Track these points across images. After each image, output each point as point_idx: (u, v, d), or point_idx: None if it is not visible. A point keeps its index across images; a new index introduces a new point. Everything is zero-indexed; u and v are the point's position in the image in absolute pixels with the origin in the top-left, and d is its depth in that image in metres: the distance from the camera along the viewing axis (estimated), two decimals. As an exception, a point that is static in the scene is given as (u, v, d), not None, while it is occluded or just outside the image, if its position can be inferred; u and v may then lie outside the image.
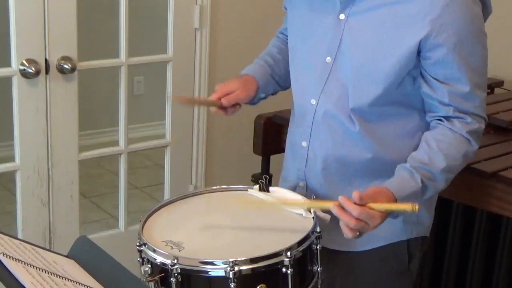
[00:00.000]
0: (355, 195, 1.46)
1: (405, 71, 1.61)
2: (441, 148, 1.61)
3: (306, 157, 1.76)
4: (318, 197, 1.72)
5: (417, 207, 1.47)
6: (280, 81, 1.92)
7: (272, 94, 1.95)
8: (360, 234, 1.50)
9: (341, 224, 1.49)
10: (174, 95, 2.93)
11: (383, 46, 1.61)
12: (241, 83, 1.84)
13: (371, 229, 1.49)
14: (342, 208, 1.47)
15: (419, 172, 1.58)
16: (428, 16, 1.56)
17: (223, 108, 1.82)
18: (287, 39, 1.94)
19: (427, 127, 1.69)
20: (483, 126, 1.68)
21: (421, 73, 1.64)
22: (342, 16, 1.66)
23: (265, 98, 1.92)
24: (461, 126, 1.63)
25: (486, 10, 1.65)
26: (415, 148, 1.67)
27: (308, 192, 1.75)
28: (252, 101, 1.88)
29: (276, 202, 1.66)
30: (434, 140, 1.62)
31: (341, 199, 1.48)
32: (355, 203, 1.46)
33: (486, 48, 1.64)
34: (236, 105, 1.83)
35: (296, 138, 1.80)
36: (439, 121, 1.65)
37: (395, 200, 1.54)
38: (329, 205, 1.50)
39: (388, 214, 1.51)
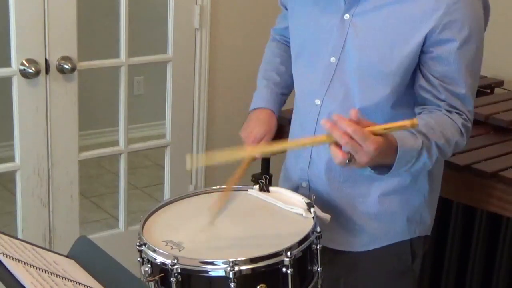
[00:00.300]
0: (353, 112, 1.38)
1: (412, 69, 1.61)
2: (439, 126, 1.58)
3: (310, 157, 1.76)
4: (320, 197, 1.72)
5: (416, 121, 1.38)
6: (287, 91, 1.93)
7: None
8: (350, 161, 1.40)
9: (332, 147, 1.41)
10: (173, 98, 2.93)
11: (389, 46, 1.60)
12: (264, 126, 1.83)
13: (364, 156, 1.39)
14: (335, 123, 1.38)
15: (421, 136, 1.53)
16: (434, 14, 1.55)
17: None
18: (285, 41, 1.94)
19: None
20: (471, 125, 1.66)
21: (418, 68, 1.63)
22: (347, 16, 1.66)
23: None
24: (457, 117, 1.62)
25: (485, 11, 1.65)
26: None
27: (311, 193, 1.74)
28: None
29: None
30: (432, 119, 1.59)
31: (335, 115, 1.39)
32: (351, 120, 1.38)
33: (482, 52, 1.64)
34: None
35: (299, 138, 1.79)
36: (437, 109, 1.63)
37: (396, 147, 1.47)
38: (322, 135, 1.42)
39: (384, 146, 1.41)
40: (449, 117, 1.61)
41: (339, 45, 1.67)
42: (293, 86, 1.86)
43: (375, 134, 1.40)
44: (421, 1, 1.57)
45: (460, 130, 1.62)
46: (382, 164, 1.50)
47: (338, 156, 1.41)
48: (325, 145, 1.70)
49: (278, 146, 1.66)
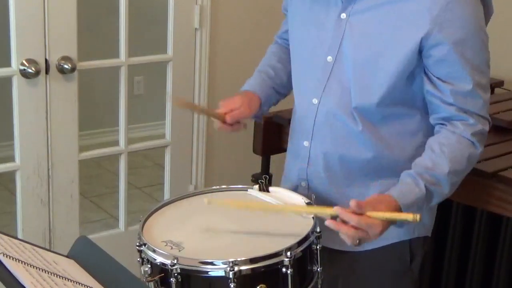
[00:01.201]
0: (353, 203, 1.45)
1: (408, 70, 1.61)
2: (445, 151, 1.59)
3: (308, 156, 1.76)
4: (320, 196, 1.72)
5: (418, 217, 1.44)
6: (282, 90, 1.93)
7: (274, 105, 1.97)
8: (360, 242, 1.48)
9: (341, 234, 1.48)
10: (174, 96, 2.94)
11: (385, 45, 1.61)
12: (244, 100, 1.84)
13: (372, 237, 1.48)
14: (340, 221, 1.46)
15: (423, 178, 1.57)
16: (430, 14, 1.55)
17: (227, 124, 1.82)
18: (286, 44, 1.95)
19: (428, 126, 1.69)
20: (487, 128, 1.66)
21: (424, 72, 1.63)
22: (343, 15, 1.66)
23: (267, 110, 1.94)
24: (464, 128, 1.62)
25: (487, 11, 1.65)
26: (417, 147, 1.67)
27: (310, 192, 1.74)
28: (256, 116, 1.89)
29: (277, 207, 1.66)
30: (438, 144, 1.61)
31: (338, 209, 1.47)
32: (353, 212, 1.45)
33: (487, 49, 1.63)
34: (239, 123, 1.83)
35: (298, 137, 1.80)
36: (441, 125, 1.64)
37: (399, 208, 1.52)
38: (329, 212, 1.49)
39: (389, 223, 1.50)
40: (454, 132, 1.61)
41: (336, 44, 1.67)
42: (290, 85, 1.86)
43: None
44: (417, 1, 1.57)
45: (471, 141, 1.62)
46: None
47: (347, 241, 1.48)
48: (323, 142, 1.72)
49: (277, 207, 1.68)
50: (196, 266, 1.43)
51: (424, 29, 1.56)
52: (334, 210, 1.47)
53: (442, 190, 1.60)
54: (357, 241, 1.47)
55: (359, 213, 1.45)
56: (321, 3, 1.71)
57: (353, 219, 1.45)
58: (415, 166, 1.60)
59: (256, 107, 1.86)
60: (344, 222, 1.46)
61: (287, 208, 1.65)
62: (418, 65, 1.62)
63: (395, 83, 1.62)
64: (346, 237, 1.47)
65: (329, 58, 1.69)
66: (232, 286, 1.40)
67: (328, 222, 1.46)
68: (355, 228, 1.45)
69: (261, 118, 1.96)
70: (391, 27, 1.60)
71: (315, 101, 1.72)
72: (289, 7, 1.83)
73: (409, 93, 1.65)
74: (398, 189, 1.56)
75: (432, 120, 1.68)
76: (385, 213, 1.48)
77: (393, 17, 1.60)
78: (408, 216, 1.45)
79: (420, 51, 1.59)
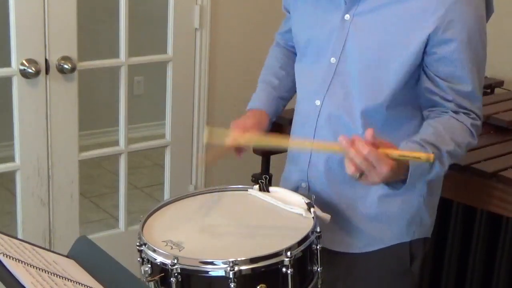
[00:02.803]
0: (369, 132, 1.41)
1: (413, 70, 1.61)
2: (448, 131, 1.58)
3: (309, 158, 1.76)
4: (320, 198, 1.72)
5: (432, 156, 1.41)
6: (287, 95, 1.92)
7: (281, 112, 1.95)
8: (361, 177, 1.43)
9: (346, 158, 1.43)
10: (173, 98, 2.94)
11: (390, 46, 1.60)
12: (254, 122, 1.81)
13: (376, 177, 1.42)
14: (352, 142, 1.41)
15: (430, 147, 1.53)
16: (436, 13, 1.55)
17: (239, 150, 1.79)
18: (288, 45, 1.94)
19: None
20: (481, 125, 1.68)
21: (423, 69, 1.63)
22: (347, 17, 1.65)
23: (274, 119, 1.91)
24: (466, 118, 1.62)
25: (488, 10, 1.65)
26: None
27: (310, 193, 1.74)
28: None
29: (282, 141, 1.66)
30: (441, 124, 1.59)
31: (353, 136, 1.42)
32: (367, 142, 1.40)
33: (486, 50, 1.64)
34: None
35: (299, 138, 1.79)
36: (443, 112, 1.63)
37: (407, 166, 1.48)
38: (335, 147, 1.45)
39: (397, 168, 1.44)
40: (457, 119, 1.62)
41: (339, 46, 1.67)
42: (294, 89, 1.85)
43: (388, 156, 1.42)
44: (422, 1, 1.57)
45: (470, 130, 1.63)
46: (395, 180, 1.51)
47: (350, 168, 1.43)
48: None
49: (273, 139, 1.66)
50: (196, 266, 1.43)
51: (430, 29, 1.56)
52: (345, 140, 1.42)
53: (442, 165, 1.57)
54: (359, 172, 1.42)
55: (373, 145, 1.40)
56: (325, 4, 1.70)
57: (365, 148, 1.39)
58: (420, 137, 1.56)
59: (266, 125, 1.85)
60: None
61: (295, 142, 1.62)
62: (421, 64, 1.62)
63: (401, 83, 1.62)
64: (351, 164, 1.42)
65: (333, 59, 1.68)
66: (232, 286, 1.40)
67: (342, 139, 1.41)
68: (364, 157, 1.40)
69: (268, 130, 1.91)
70: (396, 28, 1.59)
71: (317, 102, 1.72)
72: (292, 7, 1.82)
73: (414, 94, 1.65)
74: (407, 146, 1.52)
75: (427, 111, 1.66)
76: (399, 151, 1.43)
77: (397, 17, 1.59)
78: (421, 155, 1.41)
79: (424, 49, 1.59)
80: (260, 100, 1.89)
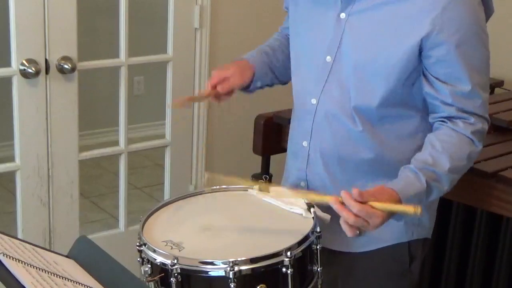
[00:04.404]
0: (355, 192, 1.44)
1: (408, 70, 1.61)
2: (446, 148, 1.59)
3: (307, 157, 1.76)
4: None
5: (419, 209, 1.44)
6: (278, 72, 1.91)
7: (269, 86, 1.93)
8: (360, 233, 1.48)
9: (341, 220, 1.47)
10: (173, 98, 2.93)
11: (384, 46, 1.60)
12: (237, 68, 1.82)
13: (372, 228, 1.47)
14: (342, 203, 1.45)
15: (424, 173, 1.56)
16: (430, 14, 1.55)
17: (217, 96, 1.80)
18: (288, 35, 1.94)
19: (427, 127, 1.69)
20: (486, 127, 1.67)
21: (423, 73, 1.63)
22: (343, 15, 1.66)
23: (261, 87, 1.90)
24: (465, 126, 1.62)
25: (487, 11, 1.65)
26: (416, 148, 1.66)
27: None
28: (248, 89, 1.87)
29: (277, 194, 1.66)
30: (438, 140, 1.61)
31: (343, 193, 1.45)
32: (355, 200, 1.44)
33: (487, 49, 1.63)
34: (230, 92, 1.81)
35: (297, 137, 1.79)
36: (442, 122, 1.64)
37: (399, 200, 1.51)
38: (329, 199, 1.48)
39: (389, 214, 1.49)
40: (455, 130, 1.62)
41: (335, 44, 1.67)
42: (287, 72, 1.85)
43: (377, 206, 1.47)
44: (417, 1, 1.57)
45: (470, 139, 1.62)
46: None
47: (347, 231, 1.47)
48: (321, 142, 1.72)
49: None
50: (196, 266, 1.43)
51: (424, 30, 1.56)
52: (338, 197, 1.46)
53: (442, 186, 1.60)
54: (357, 231, 1.47)
55: (361, 201, 1.44)
56: (321, 3, 1.70)
57: (355, 207, 1.43)
58: (416, 161, 1.60)
59: (249, 77, 1.83)
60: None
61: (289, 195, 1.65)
62: (417, 66, 1.61)
63: (395, 83, 1.62)
64: (346, 226, 1.46)
65: (328, 58, 1.69)
66: (232, 286, 1.40)
67: (333, 203, 1.46)
68: (356, 215, 1.44)
69: (252, 91, 1.90)
70: (391, 27, 1.60)
71: (313, 101, 1.72)
72: (290, 6, 1.83)
73: (409, 94, 1.65)
74: (399, 182, 1.56)
75: (431, 119, 1.68)
76: (387, 204, 1.47)
77: (393, 17, 1.59)
78: (409, 209, 1.45)
79: (420, 52, 1.59)
80: (249, 55, 1.89)
